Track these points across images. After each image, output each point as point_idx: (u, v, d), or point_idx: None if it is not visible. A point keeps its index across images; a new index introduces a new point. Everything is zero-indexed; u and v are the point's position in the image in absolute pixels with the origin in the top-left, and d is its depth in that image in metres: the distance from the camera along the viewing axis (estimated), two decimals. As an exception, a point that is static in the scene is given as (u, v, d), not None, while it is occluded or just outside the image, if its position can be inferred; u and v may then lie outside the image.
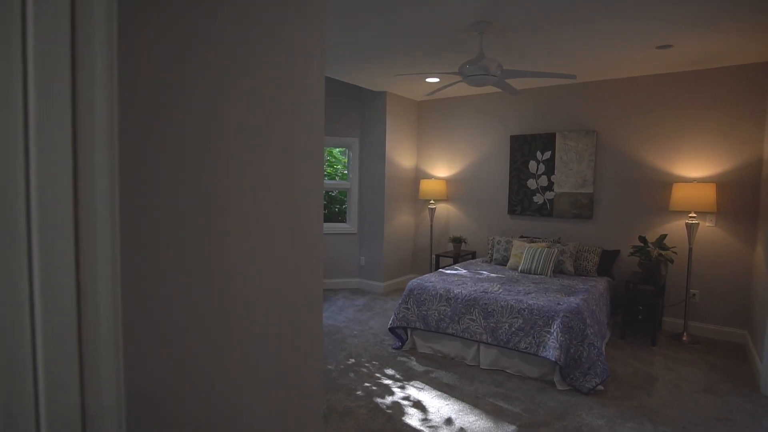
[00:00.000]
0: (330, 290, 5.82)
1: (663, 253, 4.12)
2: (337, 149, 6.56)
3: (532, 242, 4.73)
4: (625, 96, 4.63)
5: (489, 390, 3.10)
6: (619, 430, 2.60)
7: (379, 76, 4.87)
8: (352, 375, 3.31)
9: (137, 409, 0.82)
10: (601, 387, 3.09)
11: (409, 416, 2.75)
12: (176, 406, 0.90)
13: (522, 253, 4.63)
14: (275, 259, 1.14)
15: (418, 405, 2.89)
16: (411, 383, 3.20)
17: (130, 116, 0.78)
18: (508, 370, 3.39)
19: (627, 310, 4.11)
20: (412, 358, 3.66)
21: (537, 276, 4.30)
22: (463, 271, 4.44)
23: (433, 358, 3.65)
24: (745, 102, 4.03)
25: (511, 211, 5.38)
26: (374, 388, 3.11)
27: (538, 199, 5.17)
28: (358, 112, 5.85)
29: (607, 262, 4.61)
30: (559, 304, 3.31)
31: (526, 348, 3.23)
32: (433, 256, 5.83)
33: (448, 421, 2.70)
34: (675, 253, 4.25)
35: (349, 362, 3.54)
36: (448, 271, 4.42)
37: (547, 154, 5.07)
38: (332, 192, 6.58)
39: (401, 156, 5.95)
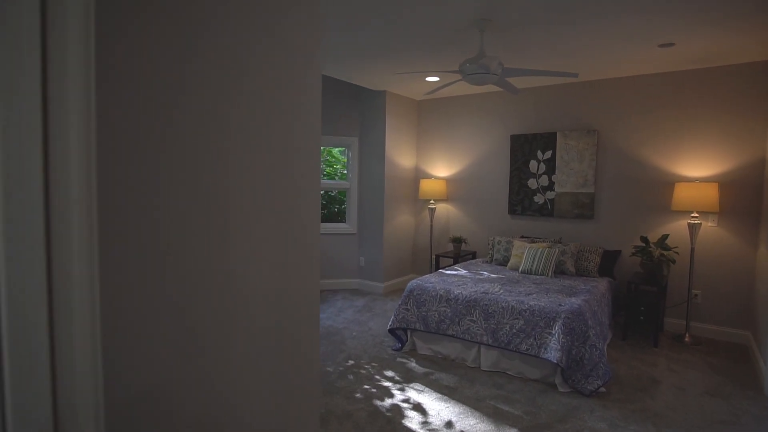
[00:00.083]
0: (329, 291, 5.78)
1: (665, 253, 4.08)
2: (337, 149, 6.53)
3: (533, 242, 4.69)
4: (627, 95, 4.59)
5: (490, 392, 3.06)
6: (622, 433, 2.56)
7: (379, 75, 4.84)
8: (351, 377, 3.27)
9: (136, 409, 0.83)
10: (603, 389, 3.05)
11: (409, 419, 2.71)
12: (175, 406, 0.90)
13: (523, 253, 4.59)
14: (273, 258, 1.14)
15: (418, 408, 2.85)
16: (411, 385, 3.16)
17: (130, 116, 0.79)
18: (509, 372, 3.35)
19: (628, 311, 4.07)
20: (412, 359, 3.62)
21: (538, 276, 4.26)
22: (463, 272, 4.40)
23: (433, 360, 3.61)
24: (748, 101, 3.99)
25: (512, 211, 5.34)
26: (374, 390, 3.07)
27: (538, 198, 5.13)
28: (358, 111, 5.81)
29: (609, 262, 4.57)
30: (560, 305, 3.27)
31: (528, 349, 3.19)
32: (433, 257, 5.79)
33: (449, 425, 2.66)
34: (677, 253, 4.21)
35: (349, 364, 3.50)
36: (449, 272, 4.38)
37: (548, 154, 5.04)
38: (332, 192, 6.54)
39: (401, 155, 5.92)
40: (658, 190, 4.45)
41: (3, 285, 0.54)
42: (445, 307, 3.61)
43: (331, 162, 6.80)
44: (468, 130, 5.70)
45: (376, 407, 2.84)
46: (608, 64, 4.20)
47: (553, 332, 3.13)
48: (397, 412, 2.79)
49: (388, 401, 2.92)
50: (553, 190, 5.02)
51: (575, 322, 3.11)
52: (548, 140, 5.02)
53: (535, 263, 4.36)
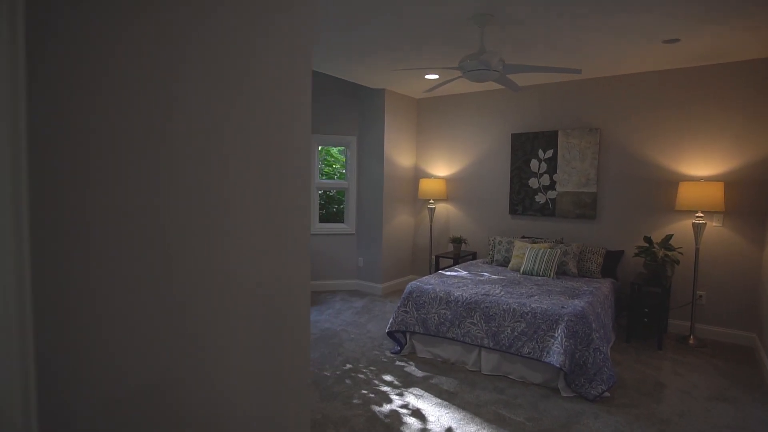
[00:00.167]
0: (327, 292, 5.70)
1: (669, 253, 4.00)
2: (335, 148, 6.45)
3: (534, 243, 4.61)
4: (630, 93, 4.51)
5: (491, 397, 2.99)
6: (627, 440, 2.49)
7: (378, 73, 4.76)
8: (348, 382, 3.19)
9: (135, 408, 0.85)
10: (607, 394, 2.97)
11: (408, 426, 2.63)
12: (168, 404, 0.92)
13: (524, 254, 4.51)
14: (267, 257, 1.15)
15: (417, 413, 2.78)
16: (410, 390, 3.08)
17: (130, 117, 0.82)
18: (510, 376, 3.27)
19: (632, 313, 3.99)
20: (411, 363, 3.55)
21: (539, 278, 4.18)
22: (463, 273, 4.33)
23: (432, 363, 3.54)
24: (754, 99, 3.91)
25: (513, 210, 5.26)
26: (372, 395, 3.00)
27: (540, 198, 5.05)
28: (357, 110, 5.73)
29: (612, 263, 4.50)
30: (563, 307, 3.19)
31: (530, 353, 3.12)
32: (433, 257, 5.71)
33: (449, 431, 2.58)
34: (681, 253, 4.14)
35: (346, 368, 3.42)
36: (448, 273, 4.31)
37: (549, 153, 4.96)
38: (330, 191, 6.46)
39: (400, 155, 5.83)
40: (662, 190, 4.37)
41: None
42: (444, 309, 3.53)
43: (329, 161, 6.72)
44: (468, 129, 5.62)
45: (374, 413, 2.77)
46: (611, 61, 4.12)
47: (556, 335, 3.05)
48: (396, 418, 2.72)
49: (386, 407, 2.85)
50: (555, 190, 4.94)
51: (578, 325, 3.04)
52: (549, 139, 4.94)
53: (537, 264, 4.28)
